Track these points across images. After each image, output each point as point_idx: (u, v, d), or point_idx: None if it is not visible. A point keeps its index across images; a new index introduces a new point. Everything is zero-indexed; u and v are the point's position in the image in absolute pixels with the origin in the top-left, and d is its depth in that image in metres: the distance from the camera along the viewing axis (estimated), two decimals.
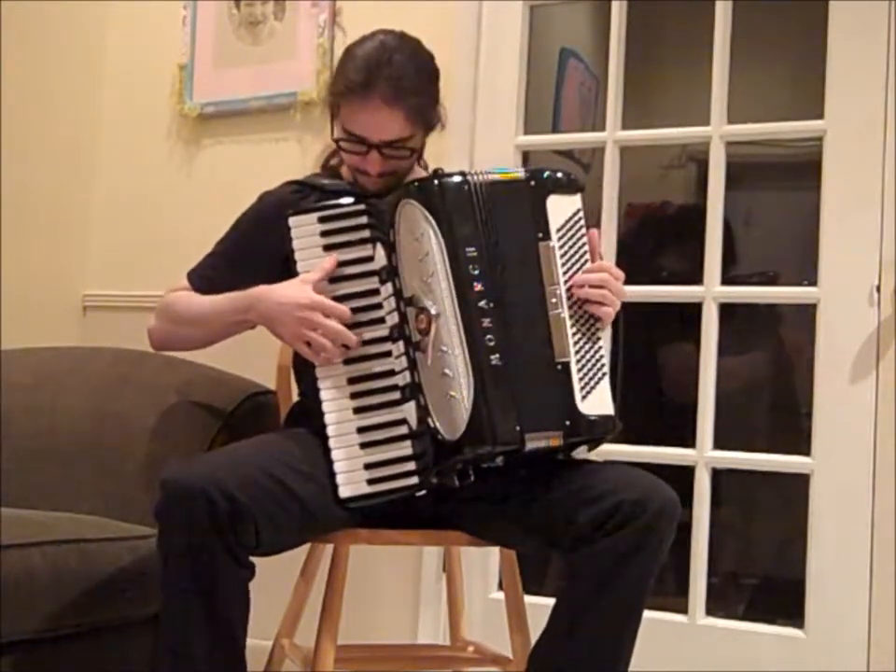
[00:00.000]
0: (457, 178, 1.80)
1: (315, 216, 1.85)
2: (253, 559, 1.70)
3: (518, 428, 1.73)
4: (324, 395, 1.80)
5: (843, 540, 2.38)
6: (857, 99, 2.43)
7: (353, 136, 1.91)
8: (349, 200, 1.87)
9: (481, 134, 2.76)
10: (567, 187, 1.86)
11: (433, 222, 1.77)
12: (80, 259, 3.20)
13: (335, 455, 1.77)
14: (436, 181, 1.80)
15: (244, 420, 2.19)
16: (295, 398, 2.15)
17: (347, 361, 1.81)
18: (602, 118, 2.75)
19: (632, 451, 2.61)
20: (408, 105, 1.88)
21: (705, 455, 2.55)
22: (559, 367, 1.76)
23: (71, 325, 3.14)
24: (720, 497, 2.69)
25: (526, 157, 2.82)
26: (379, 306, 1.81)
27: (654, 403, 3.27)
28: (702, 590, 2.53)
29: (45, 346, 2.60)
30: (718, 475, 2.60)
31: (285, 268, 1.88)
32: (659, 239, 3.46)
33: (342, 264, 1.83)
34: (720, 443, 2.56)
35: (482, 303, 1.75)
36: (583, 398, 1.76)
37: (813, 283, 2.48)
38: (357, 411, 1.79)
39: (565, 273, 1.81)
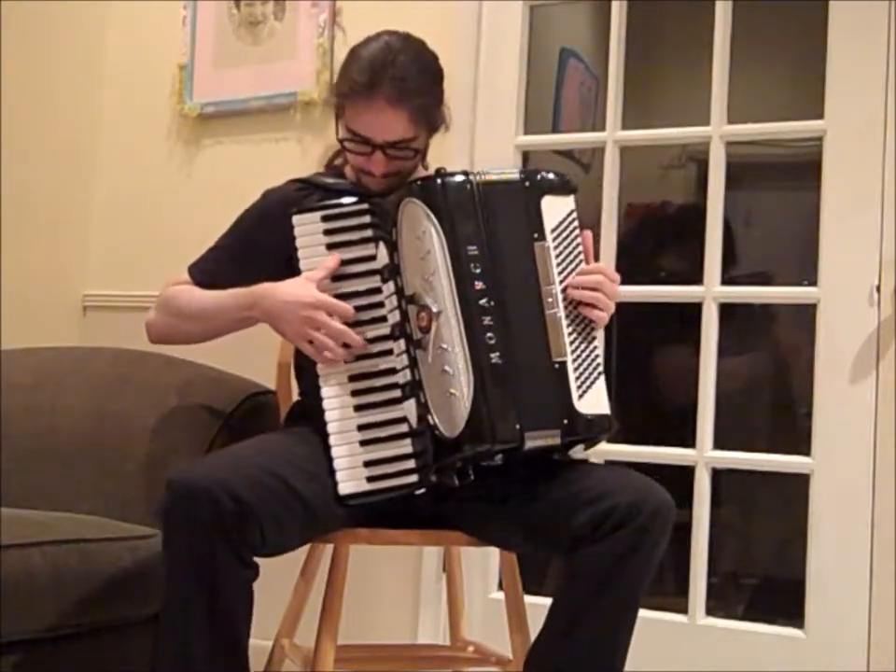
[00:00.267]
0: (460, 178, 1.81)
1: (318, 214, 1.86)
2: (255, 559, 1.70)
3: (518, 427, 1.73)
4: (325, 392, 1.81)
5: (843, 540, 2.38)
6: (857, 99, 2.43)
7: (357, 137, 1.92)
8: (352, 199, 1.88)
9: (481, 134, 2.76)
10: (561, 188, 1.87)
11: (435, 221, 1.78)
12: (80, 259, 3.20)
13: (335, 451, 1.78)
14: (438, 180, 1.81)
15: (244, 420, 2.19)
16: (295, 397, 2.15)
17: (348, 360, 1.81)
18: (602, 118, 2.75)
19: (632, 451, 2.61)
20: (412, 106, 1.88)
21: (705, 455, 2.55)
22: (556, 366, 1.77)
23: (71, 325, 3.14)
24: (720, 496, 2.69)
25: (526, 157, 2.82)
26: (381, 305, 1.82)
27: (654, 403, 3.27)
28: (702, 590, 2.53)
29: (45, 346, 2.60)
30: (718, 475, 2.60)
31: (287, 265, 1.88)
32: (659, 239, 3.46)
33: (344, 263, 1.84)
34: (720, 443, 2.56)
35: (482, 301, 1.76)
36: (580, 397, 1.77)
37: (813, 283, 2.47)
38: (358, 408, 1.80)
39: (560, 273, 1.82)
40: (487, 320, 1.75)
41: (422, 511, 1.88)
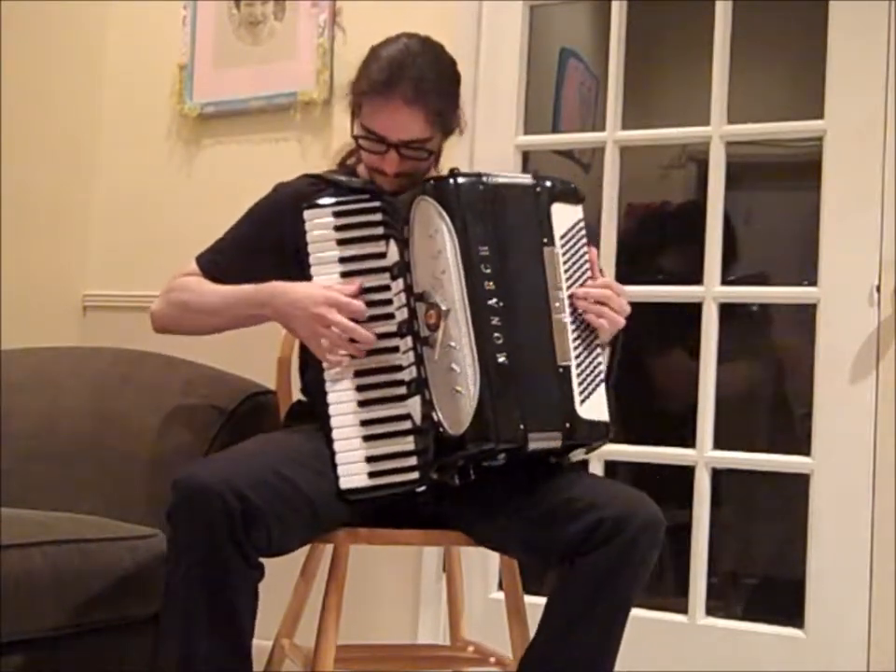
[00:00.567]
0: (473, 178, 1.83)
1: (330, 209, 1.87)
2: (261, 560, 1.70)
3: (522, 427, 1.73)
4: (329, 387, 1.81)
5: (843, 540, 2.38)
6: (857, 99, 2.43)
7: (372, 135, 1.92)
8: (364, 196, 1.89)
9: (481, 134, 2.76)
10: (570, 196, 1.89)
11: (447, 219, 1.78)
12: (80, 259, 3.20)
13: (337, 446, 1.78)
14: (452, 180, 1.82)
15: (244, 420, 2.19)
16: (295, 397, 2.15)
17: (355, 356, 1.81)
18: (602, 118, 2.75)
19: (632, 451, 2.61)
20: (428, 107, 1.89)
21: (705, 455, 2.55)
22: (560, 370, 1.78)
23: (71, 325, 3.14)
24: (720, 496, 2.69)
25: (526, 157, 2.82)
26: (389, 302, 1.83)
27: (654, 403, 3.27)
28: (702, 590, 2.52)
29: (45, 346, 2.60)
30: (718, 475, 2.60)
31: (295, 260, 1.89)
32: (659, 239, 3.46)
33: (353, 259, 1.85)
34: (720, 443, 2.56)
35: (491, 302, 1.76)
36: (582, 402, 1.78)
37: (813, 283, 2.47)
38: (362, 404, 1.80)
39: (567, 279, 1.83)
40: (496, 320, 1.76)
41: (422, 511, 1.88)
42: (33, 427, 2.34)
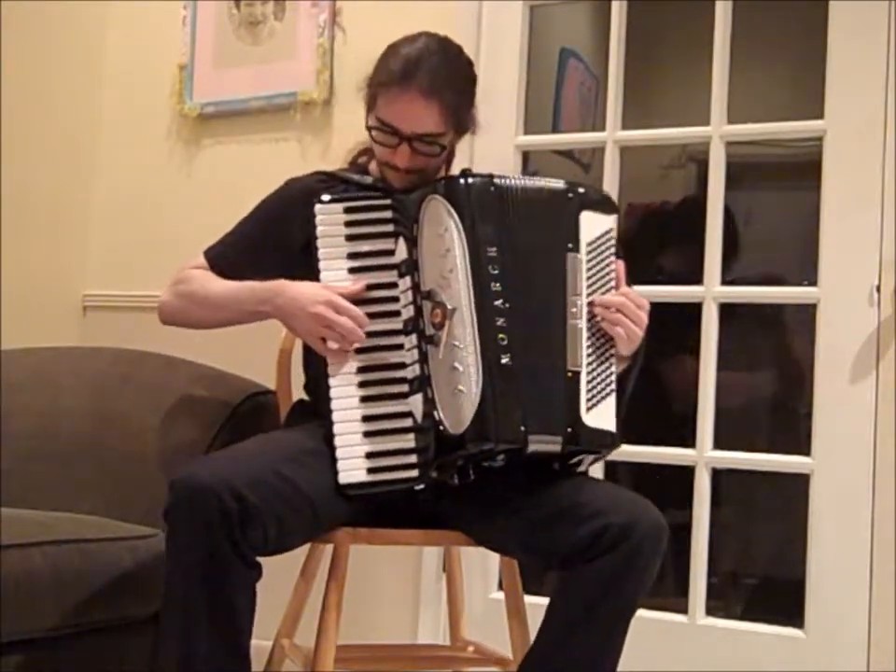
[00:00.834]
0: (484, 179, 1.83)
1: (341, 205, 1.87)
2: (258, 559, 1.70)
3: (522, 429, 1.73)
4: (332, 381, 1.81)
5: (843, 540, 2.38)
6: (857, 99, 2.43)
7: (387, 127, 1.92)
8: (376, 193, 1.89)
9: (481, 134, 2.73)
10: (603, 205, 1.89)
11: (457, 219, 1.79)
12: (80, 259, 3.20)
13: (338, 441, 1.78)
14: (462, 179, 1.82)
15: (244, 420, 2.19)
16: (295, 397, 2.15)
17: (359, 351, 1.82)
18: (602, 118, 2.75)
19: (632, 451, 2.61)
20: (444, 101, 1.90)
21: (705, 455, 2.55)
22: (569, 374, 1.77)
23: (71, 325, 3.14)
24: (720, 496, 2.69)
25: (526, 157, 2.82)
26: (395, 299, 1.83)
27: (654, 403, 3.26)
28: (702, 590, 2.53)
29: (45, 346, 2.60)
30: (718, 475, 2.60)
31: (303, 256, 1.90)
32: (659, 239, 3.46)
33: (362, 255, 1.85)
34: (720, 444, 2.56)
35: (498, 302, 1.76)
36: (588, 409, 1.77)
37: (813, 283, 2.48)
38: (364, 399, 1.80)
39: (588, 287, 1.82)
40: (501, 321, 1.75)
41: (422, 511, 1.88)
42: (33, 427, 2.34)
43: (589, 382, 1.78)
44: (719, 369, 2.57)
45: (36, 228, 3.05)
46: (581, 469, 1.84)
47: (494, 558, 2.51)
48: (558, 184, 1.88)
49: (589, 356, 1.80)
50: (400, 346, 1.81)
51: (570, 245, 1.83)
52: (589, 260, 1.84)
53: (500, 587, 2.21)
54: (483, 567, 2.65)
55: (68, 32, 3.13)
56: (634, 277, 1.96)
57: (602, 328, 1.82)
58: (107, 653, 2.02)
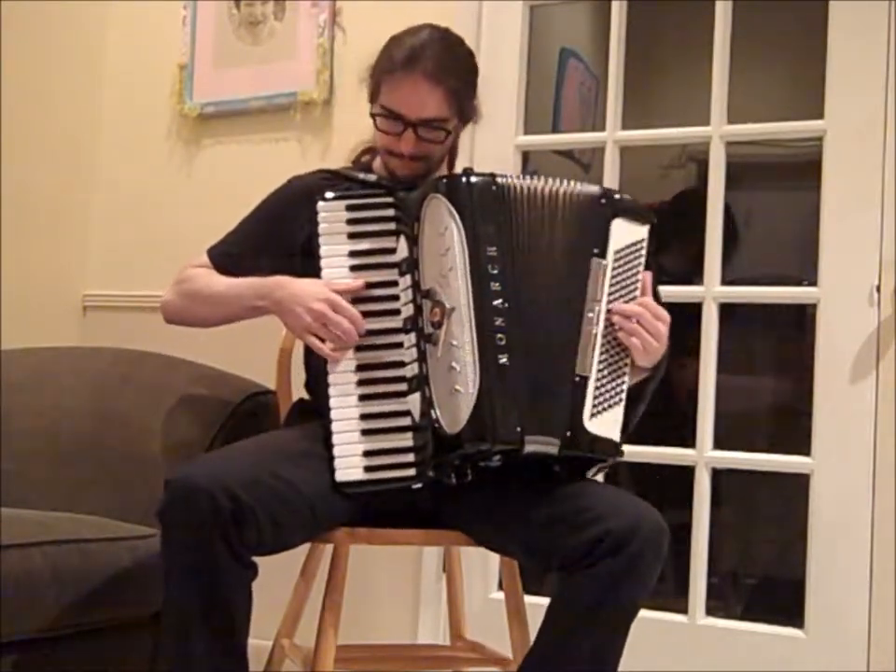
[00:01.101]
0: (486, 178, 1.82)
1: (343, 203, 1.87)
2: (254, 559, 1.70)
3: (519, 429, 1.72)
4: (332, 379, 1.81)
5: (843, 540, 2.38)
6: (857, 99, 2.43)
7: (391, 113, 1.93)
8: (378, 191, 1.89)
9: (481, 134, 2.76)
10: (637, 214, 1.87)
11: (457, 218, 1.78)
12: (80, 259, 3.20)
13: (336, 438, 1.78)
14: (464, 178, 1.82)
15: (244, 420, 2.19)
16: (295, 396, 2.15)
17: (358, 349, 1.82)
18: (602, 118, 2.75)
19: (632, 451, 2.60)
20: (448, 86, 1.91)
21: (705, 455, 2.55)
22: (577, 379, 1.75)
23: (71, 325, 3.14)
24: (720, 497, 2.69)
25: (526, 157, 2.82)
26: (395, 297, 1.83)
27: (654, 403, 3.26)
28: (702, 590, 2.53)
29: (45, 346, 2.60)
30: (718, 475, 2.60)
31: (304, 253, 1.90)
32: (660, 239, 3.46)
33: (364, 253, 1.85)
34: (720, 443, 2.57)
35: (497, 302, 1.75)
36: (592, 416, 1.75)
37: (813, 283, 2.48)
38: (363, 398, 1.80)
39: (610, 294, 1.81)
40: (500, 321, 1.74)
41: (422, 511, 1.88)
42: (33, 427, 2.34)
43: (597, 388, 1.76)
44: (718, 369, 2.57)
45: (36, 228, 3.05)
46: (589, 474, 1.83)
47: (494, 558, 2.51)
48: (591, 188, 1.86)
49: (601, 363, 1.78)
50: (400, 345, 1.81)
51: (596, 251, 1.80)
52: (615, 268, 1.82)
53: (500, 587, 2.21)
54: (483, 567, 2.65)
55: (68, 32, 3.13)
56: None
57: (618, 337, 1.80)
58: (107, 653, 2.02)
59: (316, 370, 1.97)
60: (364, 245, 1.86)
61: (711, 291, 2.55)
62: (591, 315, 1.78)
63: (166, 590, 1.69)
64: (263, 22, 3.00)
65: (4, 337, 2.74)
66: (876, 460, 2.36)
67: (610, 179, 2.66)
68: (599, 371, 1.78)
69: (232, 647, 1.70)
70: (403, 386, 1.79)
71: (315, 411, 1.94)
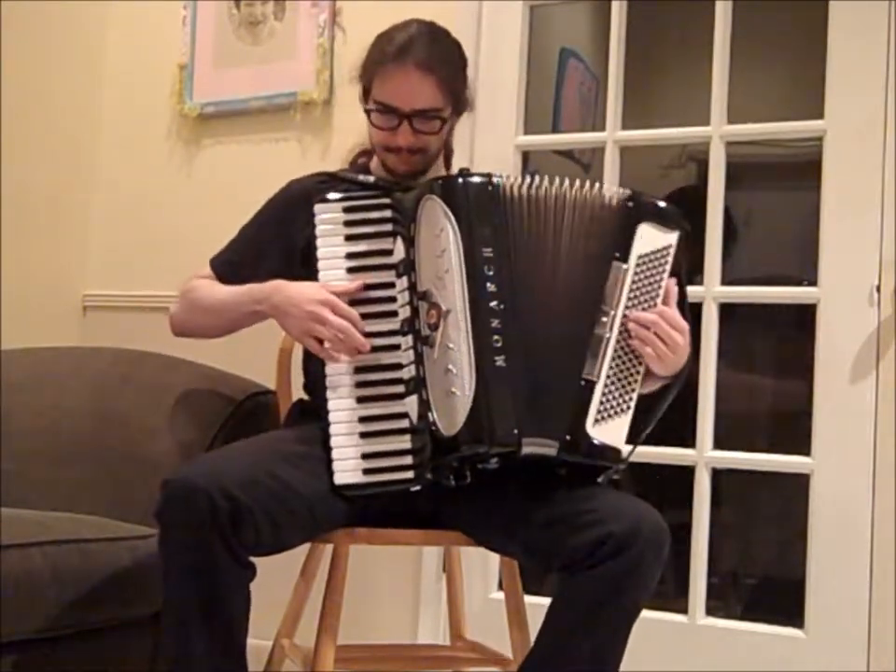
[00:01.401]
0: (482, 178, 1.80)
1: (340, 205, 1.87)
2: (253, 559, 1.70)
3: (516, 431, 1.71)
4: (329, 382, 1.81)
5: (843, 540, 2.38)
6: (857, 99, 2.43)
7: (385, 107, 1.93)
8: (375, 192, 1.89)
9: (481, 134, 2.76)
10: (666, 220, 1.82)
11: (453, 220, 1.77)
12: (80, 259, 3.20)
13: (334, 441, 1.78)
14: (460, 179, 1.81)
15: (244, 420, 2.19)
16: (295, 397, 2.15)
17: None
18: (602, 118, 2.75)
19: None
20: (439, 75, 1.92)
21: (705, 455, 2.55)
22: (583, 383, 1.74)
23: (71, 325, 3.14)
24: (720, 497, 2.69)
25: (526, 157, 2.82)
26: (393, 299, 1.82)
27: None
28: (702, 590, 2.53)
29: (45, 346, 2.60)
30: (718, 475, 2.60)
31: (303, 257, 1.91)
32: None
33: (361, 255, 1.85)
34: (720, 443, 2.56)
35: (493, 304, 1.74)
36: (596, 422, 1.73)
37: (813, 283, 2.48)
38: (361, 400, 1.80)
39: (628, 300, 1.78)
40: (496, 323, 1.73)
41: (422, 511, 1.88)
42: (33, 427, 2.34)
43: (604, 395, 1.74)
44: (718, 369, 2.57)
45: (36, 228, 3.05)
46: (598, 481, 1.81)
47: (494, 558, 2.51)
48: (623, 191, 1.83)
49: (611, 368, 1.76)
50: (397, 347, 1.80)
51: (618, 255, 1.77)
52: (637, 273, 1.78)
53: (500, 587, 2.21)
54: (483, 567, 2.65)
55: (68, 32, 3.13)
56: None
57: (632, 344, 1.78)
58: (107, 653, 2.02)
59: (314, 372, 1.97)
60: (361, 246, 1.85)
61: (711, 291, 2.55)
62: (605, 319, 1.76)
63: (165, 590, 1.69)
64: (263, 22, 3.01)
65: (4, 337, 2.74)
66: (876, 460, 2.36)
67: (610, 179, 2.66)
68: (608, 377, 1.75)
69: (232, 647, 1.70)
70: (401, 388, 1.79)
71: (314, 411, 1.94)
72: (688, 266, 1.87)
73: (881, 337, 2.37)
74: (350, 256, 1.86)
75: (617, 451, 1.75)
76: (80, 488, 2.23)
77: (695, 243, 2.60)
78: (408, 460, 1.77)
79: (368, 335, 1.81)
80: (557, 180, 1.81)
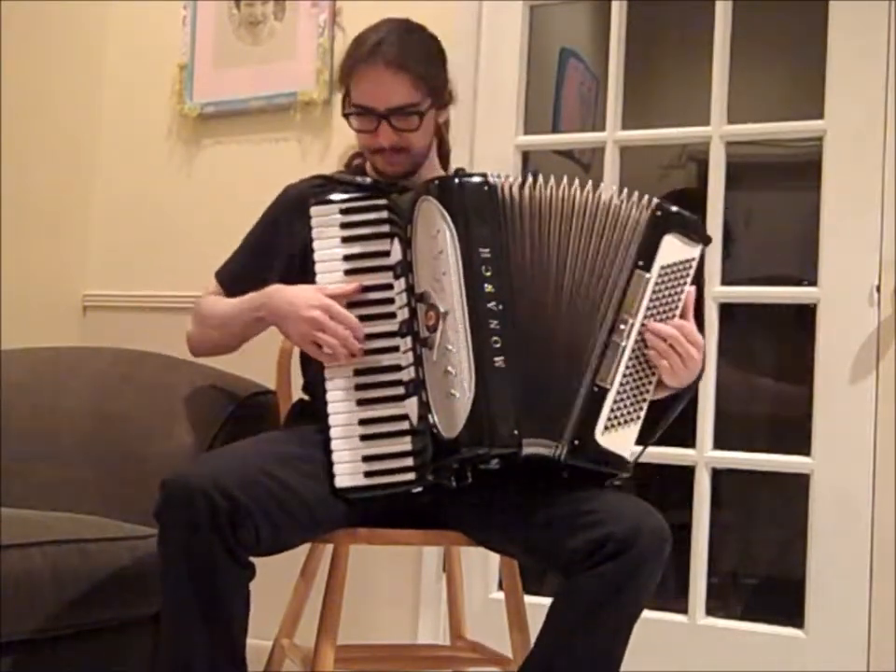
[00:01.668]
0: (478, 179, 1.80)
1: (336, 206, 1.87)
2: (253, 559, 1.70)
3: (516, 432, 1.71)
4: (329, 385, 1.81)
5: (843, 540, 2.38)
6: (857, 99, 2.43)
7: (362, 108, 1.93)
8: (371, 194, 1.89)
9: (481, 134, 2.76)
10: (691, 231, 1.80)
11: (449, 221, 1.76)
12: (80, 259, 3.20)
13: (335, 444, 1.78)
14: (456, 180, 1.80)
15: (244, 420, 2.19)
16: (295, 397, 2.15)
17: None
18: (602, 118, 2.75)
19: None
20: (412, 70, 1.91)
21: (705, 455, 2.55)
22: (595, 389, 1.73)
23: (71, 325, 3.14)
24: (720, 497, 2.69)
25: (526, 157, 2.82)
26: (391, 301, 1.82)
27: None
28: (702, 590, 2.53)
29: (45, 346, 2.59)
30: (718, 475, 2.60)
31: (301, 260, 1.91)
32: None
33: (358, 257, 1.85)
34: (720, 443, 2.56)
35: (491, 305, 1.73)
36: (605, 429, 1.72)
37: (813, 283, 2.48)
38: (361, 402, 1.80)
39: (648, 309, 1.76)
40: (494, 324, 1.72)
41: (422, 512, 1.87)
42: (33, 427, 2.33)
43: (615, 403, 1.73)
44: (718, 368, 2.57)
45: (36, 228, 3.05)
46: (607, 484, 1.80)
47: (494, 558, 2.51)
48: (650, 199, 1.80)
49: (625, 376, 1.74)
50: (396, 349, 1.80)
51: (641, 263, 1.76)
52: (658, 283, 1.77)
53: (500, 587, 2.21)
54: (483, 567, 2.65)
55: (68, 32, 3.13)
56: None
57: (648, 355, 1.76)
58: (107, 653, 2.02)
59: (313, 375, 1.97)
60: (358, 248, 1.85)
61: (711, 291, 2.55)
62: (623, 327, 1.75)
63: (164, 590, 1.69)
64: (263, 22, 3.01)
65: (4, 337, 2.74)
66: (876, 460, 2.36)
67: (610, 179, 2.66)
68: (622, 384, 1.74)
69: (231, 647, 1.69)
70: (400, 390, 1.78)
71: (314, 411, 1.94)
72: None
73: (881, 337, 2.37)
74: (347, 258, 1.85)
75: (623, 460, 1.74)
76: (80, 488, 2.23)
77: None
78: (409, 462, 1.76)
79: (367, 337, 1.81)
80: (565, 181, 1.80)
